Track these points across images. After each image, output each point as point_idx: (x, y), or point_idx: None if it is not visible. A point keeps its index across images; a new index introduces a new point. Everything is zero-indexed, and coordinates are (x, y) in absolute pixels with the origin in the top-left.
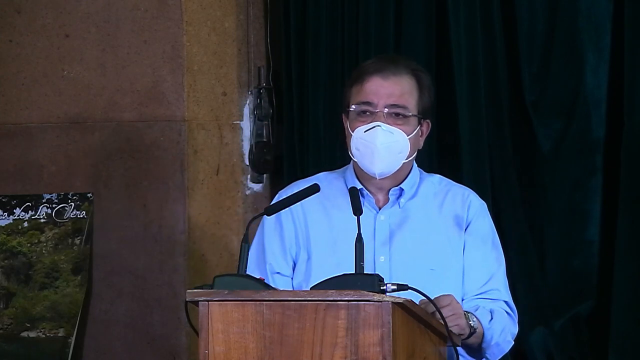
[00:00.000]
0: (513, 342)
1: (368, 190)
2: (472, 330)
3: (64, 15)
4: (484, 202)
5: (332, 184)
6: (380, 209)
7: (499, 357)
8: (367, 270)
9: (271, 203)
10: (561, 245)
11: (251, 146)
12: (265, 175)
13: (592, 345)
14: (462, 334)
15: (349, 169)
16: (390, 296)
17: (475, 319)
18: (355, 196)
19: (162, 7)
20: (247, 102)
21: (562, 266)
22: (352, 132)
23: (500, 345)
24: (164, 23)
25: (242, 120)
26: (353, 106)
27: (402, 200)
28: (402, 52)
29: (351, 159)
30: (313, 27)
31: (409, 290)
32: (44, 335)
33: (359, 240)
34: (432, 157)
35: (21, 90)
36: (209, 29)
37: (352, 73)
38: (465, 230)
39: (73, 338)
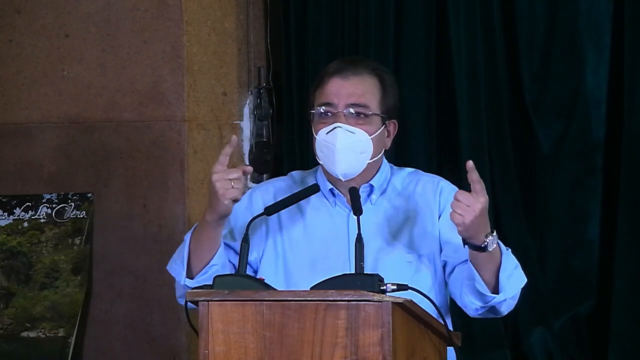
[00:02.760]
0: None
1: (338, 190)
2: (486, 243)
3: (64, 15)
4: (455, 187)
5: (305, 184)
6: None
7: (516, 291)
8: (344, 268)
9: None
10: (561, 245)
11: (251, 146)
12: (265, 175)
13: (592, 345)
14: (468, 236)
15: (319, 169)
16: (390, 296)
17: (494, 237)
18: (355, 196)
19: (162, 7)
20: (247, 102)
21: (562, 266)
22: (316, 134)
23: (521, 273)
24: (164, 23)
25: (242, 120)
26: (315, 108)
27: (373, 196)
28: (402, 52)
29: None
30: (313, 27)
31: (409, 290)
32: (44, 335)
33: (359, 240)
34: (432, 157)
35: (21, 90)
36: (209, 29)
37: (315, 78)
38: (440, 216)
39: (73, 338)
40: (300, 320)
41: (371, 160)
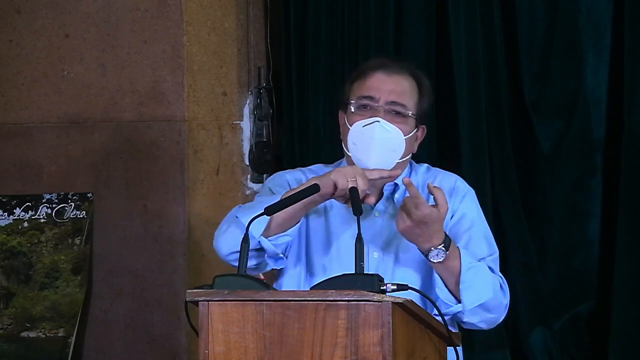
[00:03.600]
0: (501, 316)
1: None
2: (426, 253)
3: (64, 15)
4: (471, 189)
5: None
6: (374, 205)
7: (473, 305)
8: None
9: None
10: (561, 245)
11: (251, 146)
12: (265, 175)
13: (592, 345)
14: (409, 240)
15: (343, 162)
16: (390, 296)
17: (439, 250)
18: (355, 196)
19: (162, 7)
20: (247, 102)
21: (562, 266)
22: (350, 126)
23: (478, 291)
24: (164, 23)
25: (242, 120)
26: (353, 100)
27: (396, 195)
28: (402, 52)
29: (345, 155)
30: (313, 27)
31: (409, 290)
32: (44, 335)
33: (359, 240)
34: (433, 157)
35: (21, 90)
36: (209, 29)
37: (353, 71)
38: (452, 217)
39: (73, 338)
40: (300, 320)
41: (400, 160)
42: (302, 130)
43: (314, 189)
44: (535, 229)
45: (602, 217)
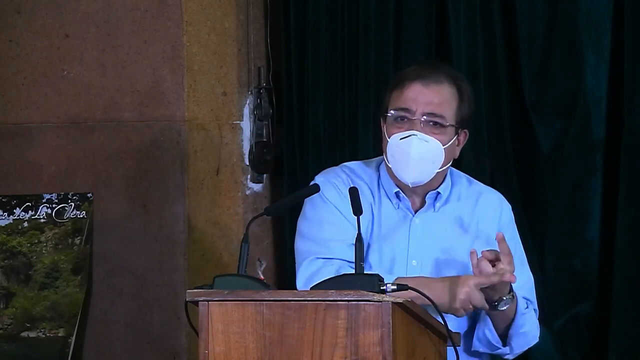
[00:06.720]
0: (536, 341)
1: (404, 193)
2: (496, 303)
3: (64, 15)
4: (511, 209)
5: (372, 180)
6: (415, 212)
7: (522, 350)
8: (399, 273)
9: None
10: (561, 245)
11: (251, 146)
12: (265, 175)
13: (592, 345)
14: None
15: (383, 169)
16: (390, 296)
17: (507, 301)
18: (355, 196)
19: (162, 7)
20: (247, 102)
21: (562, 266)
22: (389, 138)
23: (528, 336)
24: (164, 23)
25: (242, 120)
26: (391, 111)
27: (437, 204)
28: (402, 52)
29: (384, 162)
30: (313, 27)
31: (409, 290)
32: (44, 335)
33: (359, 241)
34: None
35: (21, 90)
36: (209, 29)
37: (393, 78)
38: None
39: (73, 338)
40: (300, 320)
41: (440, 170)
42: (302, 130)
43: (314, 188)
44: (535, 229)
45: (602, 217)
